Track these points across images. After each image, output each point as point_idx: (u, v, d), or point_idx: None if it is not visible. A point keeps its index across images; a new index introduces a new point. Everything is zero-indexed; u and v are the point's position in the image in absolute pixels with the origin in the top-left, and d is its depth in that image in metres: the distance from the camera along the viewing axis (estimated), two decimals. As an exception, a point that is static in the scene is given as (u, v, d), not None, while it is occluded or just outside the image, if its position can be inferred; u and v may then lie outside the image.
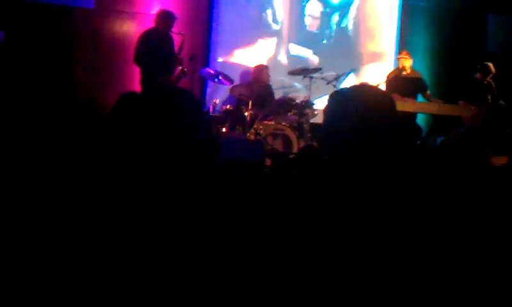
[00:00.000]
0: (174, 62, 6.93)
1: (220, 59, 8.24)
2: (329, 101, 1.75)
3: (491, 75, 7.57)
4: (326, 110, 1.74)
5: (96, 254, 1.61)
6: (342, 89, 1.83)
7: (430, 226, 1.62)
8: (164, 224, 1.66)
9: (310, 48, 8.56)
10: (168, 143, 1.80)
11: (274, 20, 8.49)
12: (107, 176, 1.80)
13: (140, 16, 7.75)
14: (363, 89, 1.76)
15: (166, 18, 6.82)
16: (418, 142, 7.45)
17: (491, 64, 7.61)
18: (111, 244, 1.62)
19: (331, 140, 1.72)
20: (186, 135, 1.83)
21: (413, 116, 7.49)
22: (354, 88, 1.80)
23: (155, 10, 7.22)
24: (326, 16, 8.68)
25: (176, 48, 7.00)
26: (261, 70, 7.80)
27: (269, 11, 8.45)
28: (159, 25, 6.81)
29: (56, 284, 1.58)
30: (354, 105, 1.68)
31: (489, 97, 7.42)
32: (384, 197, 1.61)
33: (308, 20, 8.61)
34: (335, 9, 8.69)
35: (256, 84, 7.59)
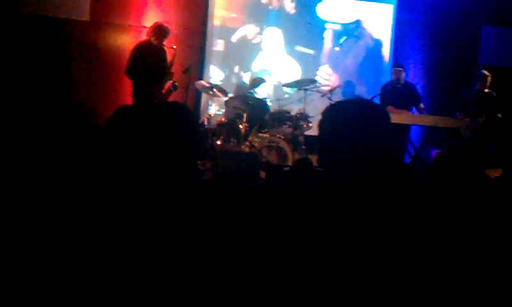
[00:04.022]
0: (165, 75, 6.93)
1: (213, 71, 8.25)
2: (324, 115, 1.75)
3: (489, 82, 7.55)
4: (321, 124, 1.74)
5: (89, 259, 1.60)
6: (336, 102, 1.83)
7: (429, 236, 1.62)
8: (158, 235, 1.66)
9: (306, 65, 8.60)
10: (163, 156, 1.80)
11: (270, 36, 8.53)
12: (103, 187, 1.80)
13: (135, 29, 7.76)
14: (358, 103, 1.76)
15: (160, 32, 6.83)
16: (408, 156, 7.46)
17: (484, 71, 7.64)
18: (102, 251, 1.62)
19: (326, 153, 1.72)
20: (181, 148, 1.82)
21: (406, 128, 7.51)
22: (348, 102, 1.80)
23: (149, 23, 7.25)
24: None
25: (168, 62, 7.00)
26: (253, 81, 7.83)
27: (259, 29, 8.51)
28: (152, 38, 6.81)
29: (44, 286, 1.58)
30: (349, 119, 1.68)
31: (487, 109, 7.39)
32: (382, 208, 1.60)
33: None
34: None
35: (251, 96, 7.59)
